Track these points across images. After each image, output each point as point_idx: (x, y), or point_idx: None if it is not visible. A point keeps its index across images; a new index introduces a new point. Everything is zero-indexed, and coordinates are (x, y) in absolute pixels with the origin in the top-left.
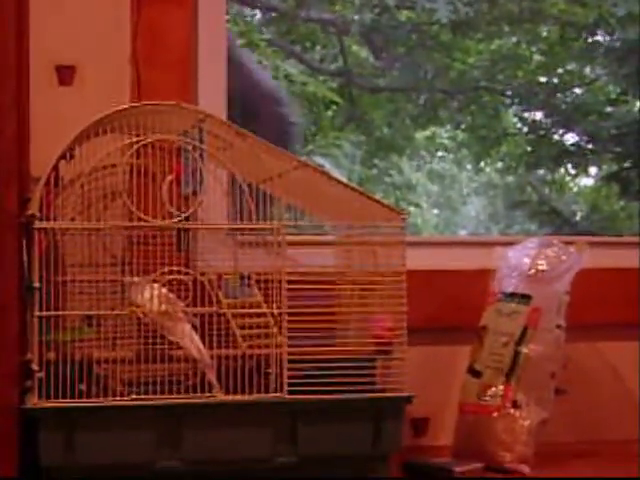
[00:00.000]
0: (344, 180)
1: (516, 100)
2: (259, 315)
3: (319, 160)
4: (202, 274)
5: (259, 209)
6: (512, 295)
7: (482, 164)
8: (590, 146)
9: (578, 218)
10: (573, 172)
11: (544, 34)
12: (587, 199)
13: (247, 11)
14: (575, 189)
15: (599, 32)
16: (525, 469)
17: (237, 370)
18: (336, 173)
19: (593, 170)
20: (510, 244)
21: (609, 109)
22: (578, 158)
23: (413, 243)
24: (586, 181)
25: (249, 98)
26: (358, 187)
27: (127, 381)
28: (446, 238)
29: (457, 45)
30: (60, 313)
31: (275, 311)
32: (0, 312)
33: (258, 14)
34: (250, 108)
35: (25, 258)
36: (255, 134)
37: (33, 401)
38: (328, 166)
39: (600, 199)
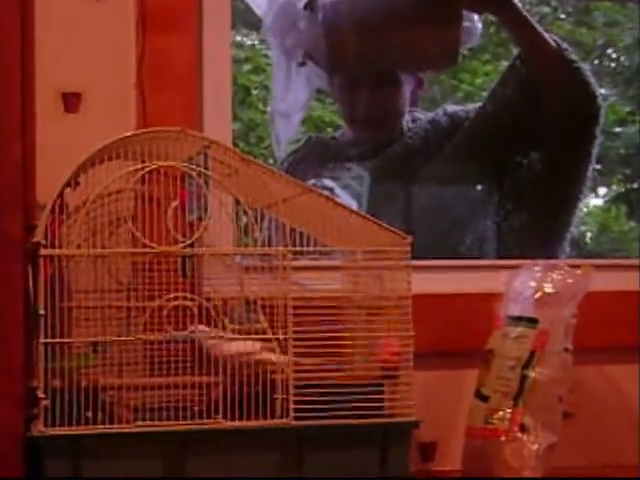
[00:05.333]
0: (349, 205)
1: None
2: (265, 341)
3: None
4: (207, 300)
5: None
6: (519, 319)
7: None
8: (599, 167)
9: (588, 240)
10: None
11: None
12: (596, 220)
13: (254, 35)
14: (584, 210)
15: (607, 53)
16: None
17: (243, 396)
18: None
19: (603, 190)
20: (516, 268)
21: (617, 129)
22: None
23: (419, 267)
24: (595, 201)
25: None
26: (363, 212)
27: (133, 407)
28: (452, 262)
29: (464, 66)
30: (66, 340)
31: (281, 336)
32: (6, 339)
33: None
34: None
35: (31, 285)
36: None
37: (39, 428)
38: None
39: (609, 220)
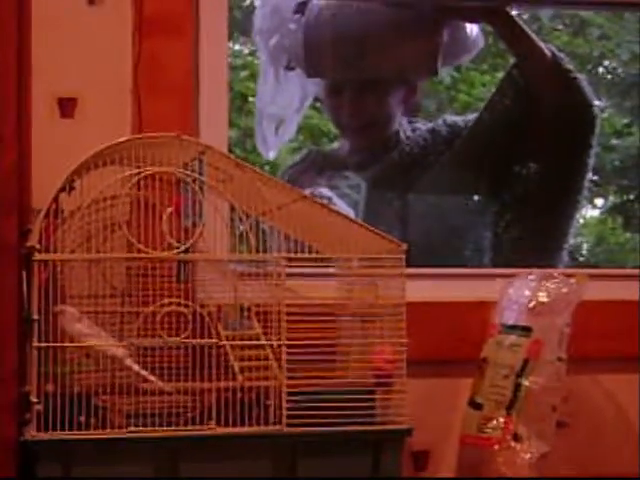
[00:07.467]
0: (344, 212)
1: None
2: (258, 347)
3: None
4: (201, 306)
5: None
6: (513, 327)
7: None
8: (595, 178)
9: (584, 251)
10: None
11: None
12: (592, 231)
13: (251, 43)
14: (581, 221)
15: (603, 65)
16: None
17: (236, 402)
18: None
19: (599, 202)
20: (511, 276)
21: (614, 141)
22: None
23: (413, 275)
24: (592, 213)
25: None
26: (358, 219)
27: (126, 413)
28: (446, 270)
29: (462, 77)
30: (59, 345)
31: (274, 343)
32: None
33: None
34: None
35: (25, 290)
36: None
37: (32, 433)
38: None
39: (606, 231)
